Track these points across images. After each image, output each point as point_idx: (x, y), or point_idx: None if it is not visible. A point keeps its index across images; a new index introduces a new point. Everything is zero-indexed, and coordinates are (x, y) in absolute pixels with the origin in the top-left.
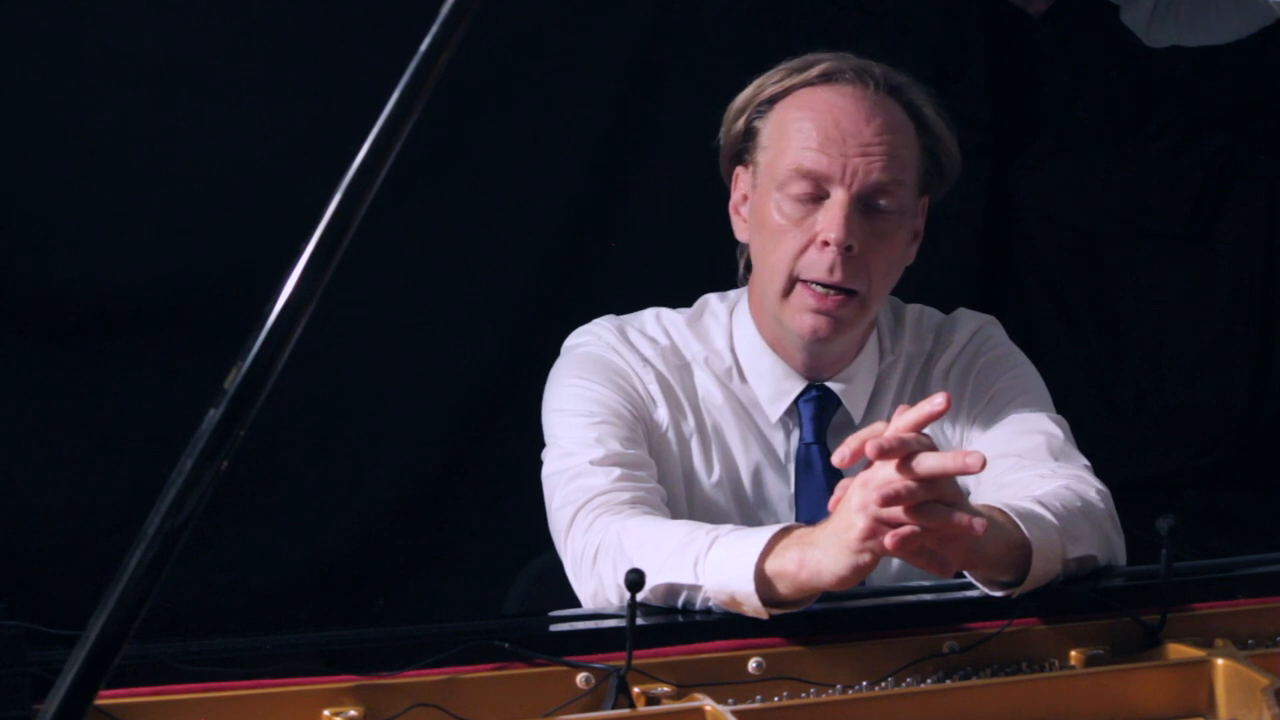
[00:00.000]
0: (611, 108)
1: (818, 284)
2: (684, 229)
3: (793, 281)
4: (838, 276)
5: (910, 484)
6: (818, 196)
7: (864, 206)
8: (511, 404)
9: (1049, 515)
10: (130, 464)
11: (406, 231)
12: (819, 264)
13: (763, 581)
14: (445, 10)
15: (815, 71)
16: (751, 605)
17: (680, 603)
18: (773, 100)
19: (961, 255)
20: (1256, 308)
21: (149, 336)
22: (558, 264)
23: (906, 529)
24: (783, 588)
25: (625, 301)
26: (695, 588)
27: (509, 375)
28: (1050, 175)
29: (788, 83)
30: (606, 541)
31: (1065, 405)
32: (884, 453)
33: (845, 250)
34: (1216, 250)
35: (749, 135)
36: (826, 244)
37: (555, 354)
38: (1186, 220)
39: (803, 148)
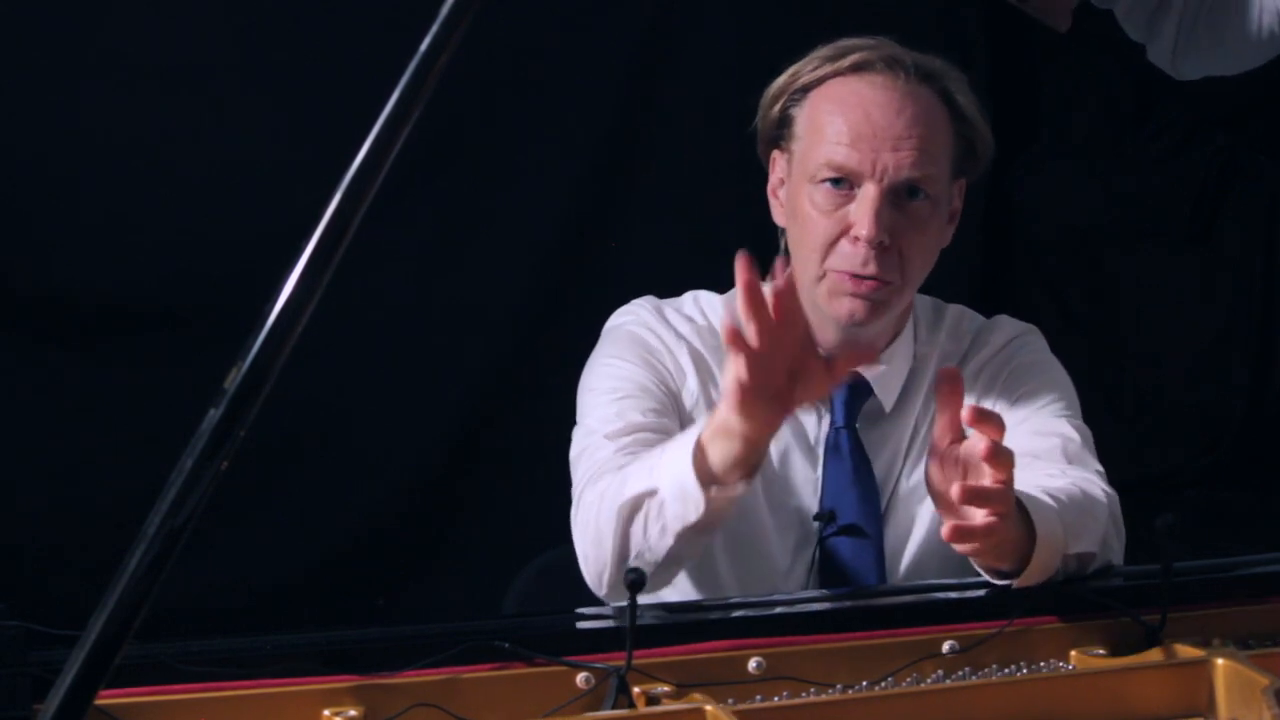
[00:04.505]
0: (611, 108)
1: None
2: (684, 229)
3: (825, 270)
4: (871, 270)
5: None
6: (850, 188)
7: (896, 198)
8: (512, 404)
9: (1055, 506)
10: (130, 464)
11: (406, 231)
12: (852, 257)
13: (702, 466)
14: (445, 10)
15: (847, 62)
16: (694, 496)
17: (644, 527)
18: (807, 89)
19: (961, 255)
20: (1256, 308)
21: (149, 336)
22: (558, 264)
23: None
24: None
25: (625, 301)
26: (651, 493)
27: (509, 375)
28: (1050, 175)
29: (821, 72)
30: (608, 492)
31: None
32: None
33: (878, 245)
34: (1216, 250)
35: (784, 122)
36: (858, 239)
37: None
38: (1186, 220)
39: (834, 142)
